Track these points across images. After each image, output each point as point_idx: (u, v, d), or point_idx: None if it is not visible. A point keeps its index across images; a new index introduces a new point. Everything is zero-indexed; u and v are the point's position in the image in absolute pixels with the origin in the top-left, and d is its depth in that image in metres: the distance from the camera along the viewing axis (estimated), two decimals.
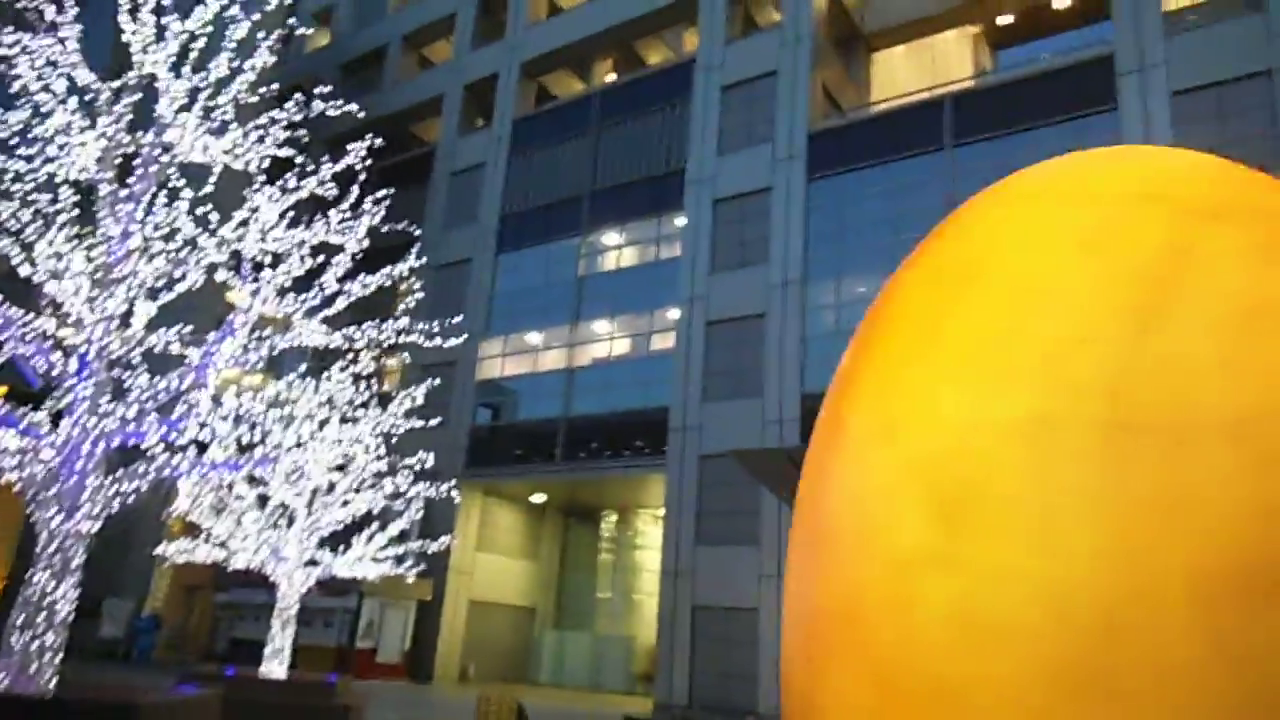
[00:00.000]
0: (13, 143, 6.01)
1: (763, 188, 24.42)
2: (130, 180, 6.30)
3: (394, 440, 14.40)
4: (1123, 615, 1.62)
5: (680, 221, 25.80)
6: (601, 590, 29.00)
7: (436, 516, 25.88)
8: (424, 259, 30.39)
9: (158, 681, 14.12)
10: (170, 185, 7.08)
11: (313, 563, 13.92)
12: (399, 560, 15.47)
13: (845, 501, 2.13)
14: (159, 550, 13.51)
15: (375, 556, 14.90)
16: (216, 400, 6.97)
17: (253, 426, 8.11)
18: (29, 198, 5.92)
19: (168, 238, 6.99)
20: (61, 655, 5.58)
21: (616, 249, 27.68)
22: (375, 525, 15.17)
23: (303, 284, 8.79)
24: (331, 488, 14.00)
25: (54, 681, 5.41)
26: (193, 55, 7.51)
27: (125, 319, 6.23)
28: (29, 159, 5.98)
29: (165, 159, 6.69)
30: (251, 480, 12.88)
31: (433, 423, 15.54)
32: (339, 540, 14.84)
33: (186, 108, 7.11)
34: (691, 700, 20.40)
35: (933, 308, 2.26)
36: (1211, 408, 1.71)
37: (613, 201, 27.76)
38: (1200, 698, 1.54)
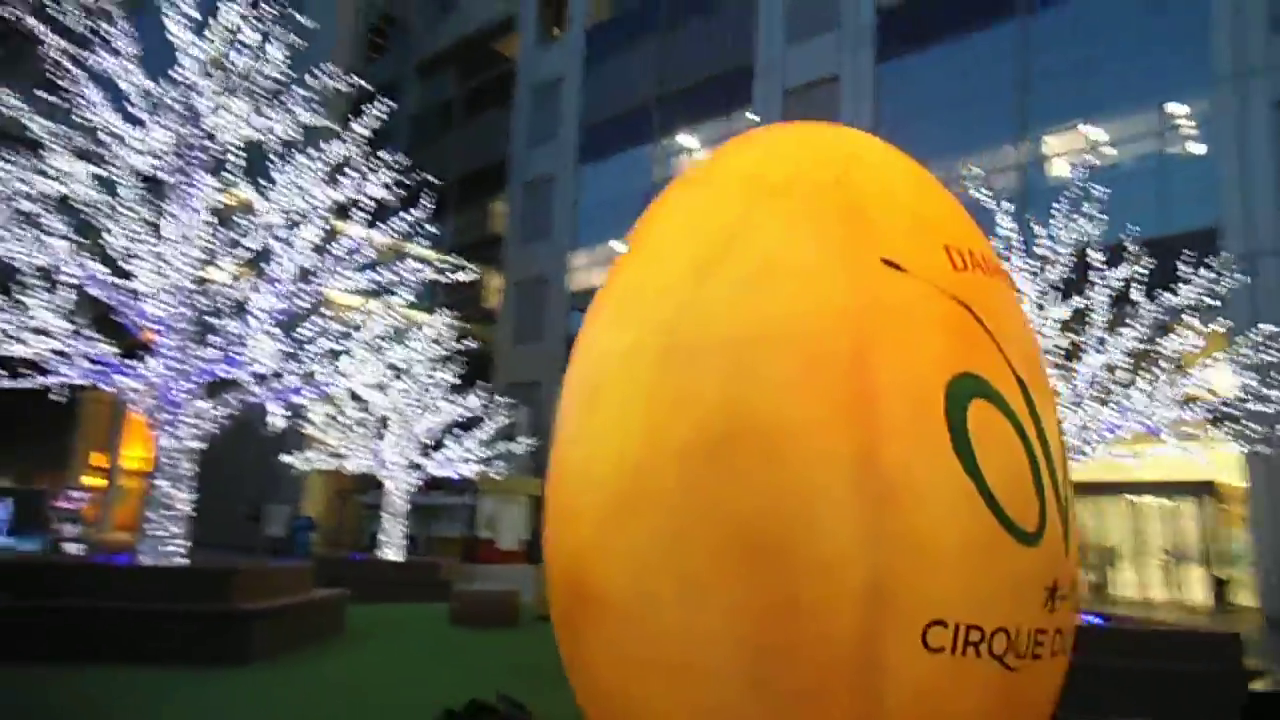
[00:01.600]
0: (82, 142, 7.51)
1: (831, 75, 24.27)
2: (186, 165, 7.77)
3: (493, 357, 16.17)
4: (646, 465, 2.77)
5: (750, 117, 25.98)
6: None
7: (546, 424, 28.03)
8: (513, 178, 31.87)
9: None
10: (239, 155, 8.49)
11: (415, 466, 16.03)
12: (487, 462, 17.39)
13: (565, 394, 3.28)
14: (290, 460, 15.90)
15: (466, 458, 16.84)
16: (289, 333, 8.57)
17: (336, 355, 9.81)
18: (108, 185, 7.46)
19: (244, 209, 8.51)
20: (184, 538, 7.49)
21: (688, 152, 28.18)
22: (468, 432, 17.12)
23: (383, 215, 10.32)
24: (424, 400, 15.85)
25: (178, 558, 7.33)
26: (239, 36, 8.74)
27: (202, 281, 7.86)
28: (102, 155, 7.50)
29: (213, 145, 8.14)
30: (354, 398, 14.89)
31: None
32: (438, 446, 16.91)
33: (233, 91, 8.45)
34: None
35: (613, 270, 3.38)
36: (713, 336, 2.79)
37: (683, 104, 28.11)
38: (680, 515, 2.67)
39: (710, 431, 2.67)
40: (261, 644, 6.31)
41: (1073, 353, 9.03)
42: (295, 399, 8.71)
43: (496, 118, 35.24)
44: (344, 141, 9.29)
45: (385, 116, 10.07)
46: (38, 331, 7.00)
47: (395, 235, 11.01)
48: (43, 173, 7.22)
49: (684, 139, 28.44)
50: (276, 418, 8.68)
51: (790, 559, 2.52)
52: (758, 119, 25.42)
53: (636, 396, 2.86)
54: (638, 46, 30.18)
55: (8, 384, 7.06)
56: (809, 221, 2.91)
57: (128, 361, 7.33)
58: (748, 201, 3.04)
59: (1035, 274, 9.15)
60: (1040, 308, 9.08)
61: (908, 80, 22.70)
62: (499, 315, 32.53)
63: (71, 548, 15.73)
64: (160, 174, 7.70)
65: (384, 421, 15.68)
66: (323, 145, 9.32)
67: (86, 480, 36.67)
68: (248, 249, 8.22)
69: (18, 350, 7.13)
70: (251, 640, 6.30)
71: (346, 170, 9.30)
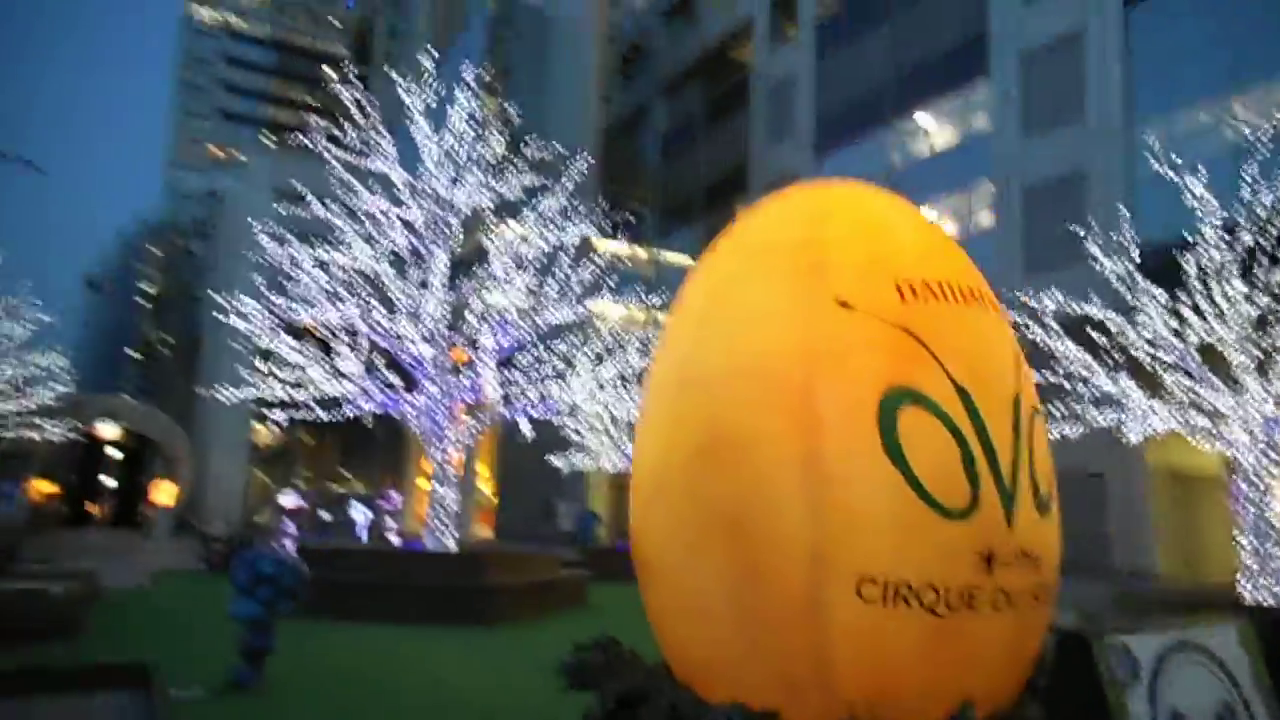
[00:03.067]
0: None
1: (1074, 31, 22.68)
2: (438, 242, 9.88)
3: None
4: (662, 466, 3.82)
5: (987, 88, 24.93)
6: None
7: None
8: (754, 180, 32.92)
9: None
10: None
11: None
12: None
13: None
14: (557, 462, 18.32)
15: None
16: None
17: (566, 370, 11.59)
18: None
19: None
20: (456, 530, 9.53)
21: (924, 133, 27.53)
22: None
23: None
24: None
25: (452, 543, 9.37)
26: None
27: (452, 325, 9.92)
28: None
29: (455, 218, 10.19)
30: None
31: None
32: None
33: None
34: None
35: (666, 328, 4.44)
36: (707, 368, 3.78)
37: (917, 83, 27.53)
38: (683, 503, 3.69)
39: (701, 442, 3.67)
40: (505, 611, 8.00)
41: None
42: (558, 412, 10.56)
43: (736, 124, 36.53)
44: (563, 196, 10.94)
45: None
46: (341, 375, 9.38)
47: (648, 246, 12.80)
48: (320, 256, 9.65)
49: (921, 118, 27.83)
50: (527, 429, 10.53)
51: (753, 535, 3.45)
52: (993, 86, 24.30)
53: (662, 414, 3.94)
54: (867, 33, 29.96)
55: (326, 417, 9.54)
56: (781, 274, 3.79)
57: (405, 394, 9.54)
58: (741, 260, 3.99)
59: None
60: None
61: (1164, 22, 20.65)
62: None
63: (393, 538, 19.25)
64: (416, 244, 9.89)
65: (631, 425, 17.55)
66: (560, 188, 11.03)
67: (420, 484, 43.22)
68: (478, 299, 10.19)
69: (331, 389, 9.57)
70: (496, 608, 8.04)
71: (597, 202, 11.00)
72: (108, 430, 30.54)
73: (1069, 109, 22.32)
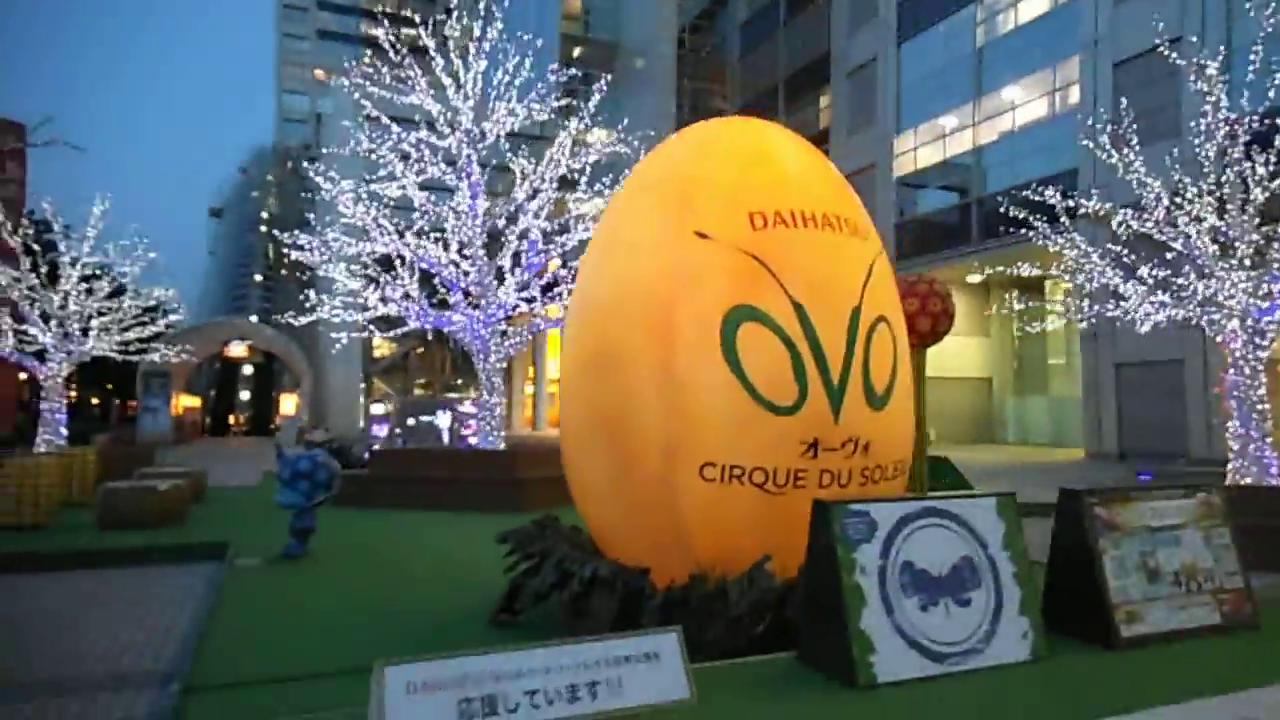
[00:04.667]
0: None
1: None
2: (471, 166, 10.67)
3: None
4: (568, 375, 4.62)
5: None
6: (1054, 356, 29.14)
7: None
8: (835, 70, 31.80)
9: None
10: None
11: None
12: None
13: None
14: None
15: None
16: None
17: None
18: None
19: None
20: (500, 431, 10.66)
21: (1010, 5, 25.98)
22: None
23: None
24: None
25: (499, 443, 10.54)
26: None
27: (491, 249, 10.79)
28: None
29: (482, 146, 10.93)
30: None
31: None
32: None
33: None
34: (1121, 449, 20.91)
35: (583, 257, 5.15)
36: (598, 293, 4.50)
37: None
38: (579, 405, 4.49)
39: (592, 354, 4.45)
40: (532, 500, 9.08)
41: None
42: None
43: (817, 10, 35.20)
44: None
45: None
46: (386, 300, 10.50)
47: None
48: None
49: None
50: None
51: (624, 430, 4.22)
52: None
53: (571, 331, 4.73)
54: None
55: (382, 336, 10.73)
56: (657, 210, 4.45)
57: (446, 313, 10.62)
58: (632, 197, 4.66)
59: None
60: None
61: None
62: None
63: (472, 440, 20.80)
64: (451, 174, 10.77)
65: None
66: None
67: (527, 389, 45.66)
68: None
69: (387, 310, 10.71)
70: (528, 497, 9.15)
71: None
72: (236, 349, 33.56)
73: None
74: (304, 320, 11.23)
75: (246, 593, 5.44)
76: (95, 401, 44.10)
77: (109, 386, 40.53)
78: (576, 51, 44.45)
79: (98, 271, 15.34)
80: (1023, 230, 15.01)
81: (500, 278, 10.68)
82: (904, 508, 3.48)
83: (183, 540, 7.61)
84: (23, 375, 22.23)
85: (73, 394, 41.02)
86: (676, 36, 41.04)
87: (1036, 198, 13.65)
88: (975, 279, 30.25)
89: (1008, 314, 31.17)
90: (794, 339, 4.08)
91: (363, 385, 41.96)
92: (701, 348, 4.07)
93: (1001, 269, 20.66)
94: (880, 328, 4.34)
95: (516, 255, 10.83)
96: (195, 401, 35.68)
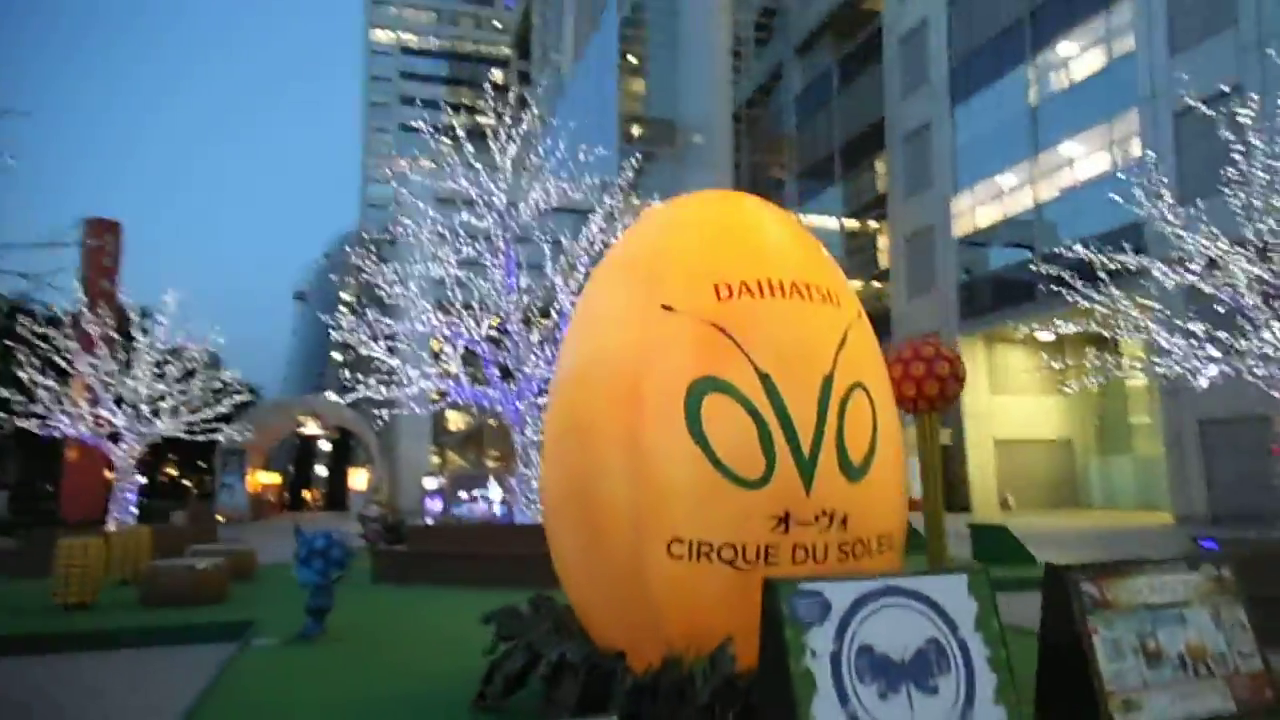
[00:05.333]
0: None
1: None
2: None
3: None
4: (550, 442, 4.58)
5: (1129, 7, 22.99)
6: (1136, 414, 27.81)
7: None
8: (890, 134, 32.08)
9: None
10: None
11: None
12: None
13: None
14: None
15: None
16: None
17: None
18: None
19: None
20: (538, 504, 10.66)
21: (1063, 64, 25.73)
22: None
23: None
24: None
25: (535, 516, 10.52)
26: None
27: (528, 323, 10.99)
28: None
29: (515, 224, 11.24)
30: None
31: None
32: None
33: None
34: (1212, 511, 19.64)
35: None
36: (572, 367, 4.50)
37: (1053, 13, 25.72)
38: (558, 472, 4.45)
39: (565, 425, 4.44)
40: None
41: None
42: None
43: (870, 79, 35.47)
44: None
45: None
46: (447, 376, 10.75)
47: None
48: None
49: (1063, 47, 25.99)
50: None
51: (593, 502, 4.16)
52: (1136, 5, 22.32)
53: (550, 402, 4.72)
54: None
55: (422, 412, 10.94)
56: (626, 284, 4.47)
57: (482, 387, 10.80)
58: (607, 273, 4.69)
59: None
60: None
61: None
62: (891, 272, 32.93)
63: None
64: (486, 255, 11.08)
65: None
66: None
67: None
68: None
69: (425, 385, 10.95)
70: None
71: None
72: (310, 426, 34.67)
73: (1221, 17, 20.26)
74: (349, 399, 11.59)
75: (246, 677, 5.48)
76: (173, 474, 45.94)
77: (199, 463, 42.24)
78: (636, 131, 45.66)
79: (168, 357, 16.18)
80: (1084, 286, 14.59)
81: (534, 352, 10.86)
82: (862, 586, 3.31)
83: (211, 619, 7.75)
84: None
85: (171, 471, 42.94)
86: (732, 112, 41.79)
87: (1092, 254, 13.35)
88: (1046, 336, 29.32)
89: (1079, 371, 30.10)
90: (760, 409, 3.99)
91: (436, 459, 42.66)
92: (666, 420, 4.01)
93: (1062, 325, 19.99)
94: (856, 395, 4.20)
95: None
96: (274, 477, 36.82)
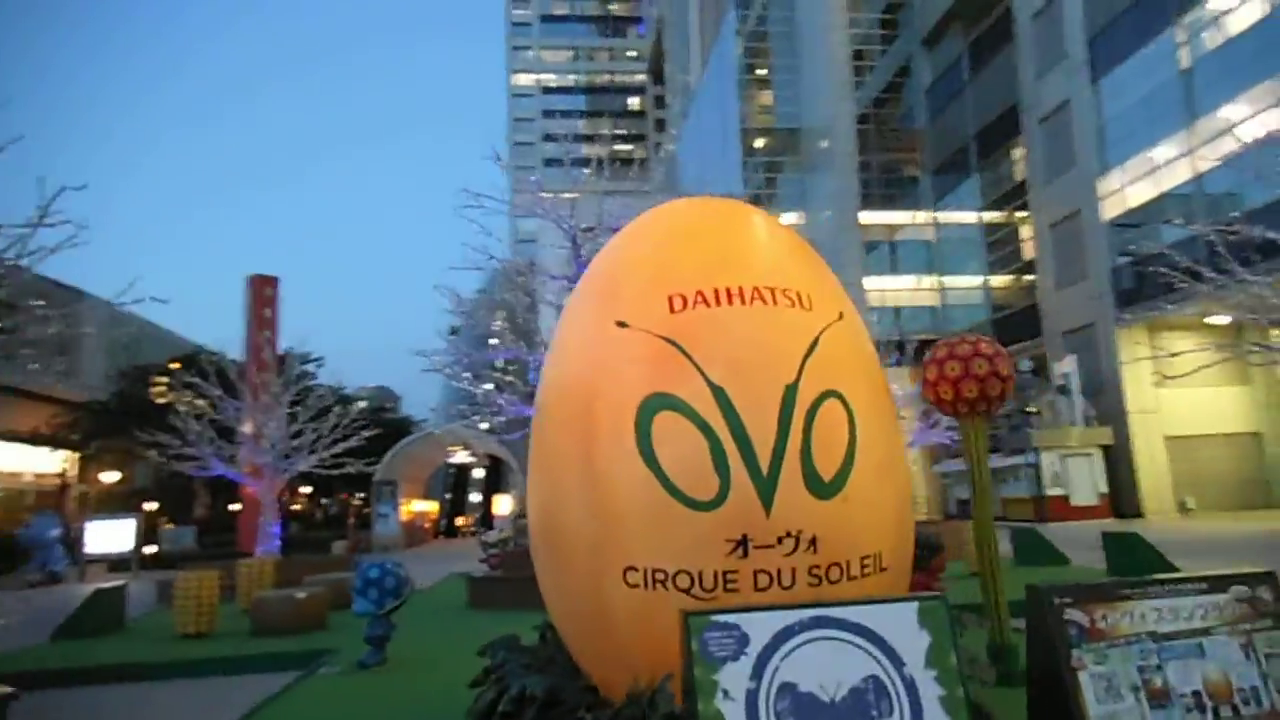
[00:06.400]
0: None
1: None
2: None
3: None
4: (529, 474, 4.50)
5: None
6: None
7: (1102, 367, 25.89)
8: (1027, 117, 30.20)
9: None
10: None
11: None
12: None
13: None
14: None
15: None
16: None
17: None
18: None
19: None
20: None
21: (1215, 20, 23.24)
22: None
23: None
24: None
25: None
26: None
27: None
28: None
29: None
30: None
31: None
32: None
33: None
34: None
35: None
36: (541, 394, 4.40)
37: None
38: (532, 507, 4.34)
39: (536, 456, 4.34)
40: None
41: None
42: None
43: (1003, 61, 33.45)
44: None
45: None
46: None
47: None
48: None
49: (1214, 1, 23.52)
50: None
51: (558, 531, 4.04)
52: None
53: (531, 436, 4.62)
54: None
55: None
56: (587, 304, 4.34)
57: None
58: (575, 297, 4.56)
59: None
60: None
61: None
62: (1036, 263, 30.71)
63: None
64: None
65: None
66: None
67: None
68: None
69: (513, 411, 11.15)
70: None
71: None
72: (460, 455, 36.24)
73: None
74: (482, 427, 12.09)
75: (285, 706, 5.68)
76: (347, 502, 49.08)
77: (362, 495, 45.14)
78: (760, 142, 45.12)
79: (313, 400, 17.39)
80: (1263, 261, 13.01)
81: None
82: (787, 618, 3.01)
83: (301, 648, 8.12)
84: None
85: (358, 503, 45.86)
86: (854, 114, 40.50)
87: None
88: (1219, 320, 26.39)
89: (1263, 357, 26.88)
90: (713, 425, 3.73)
91: None
92: (617, 442, 3.83)
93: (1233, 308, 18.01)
94: (828, 405, 3.86)
95: None
96: (428, 505, 38.67)
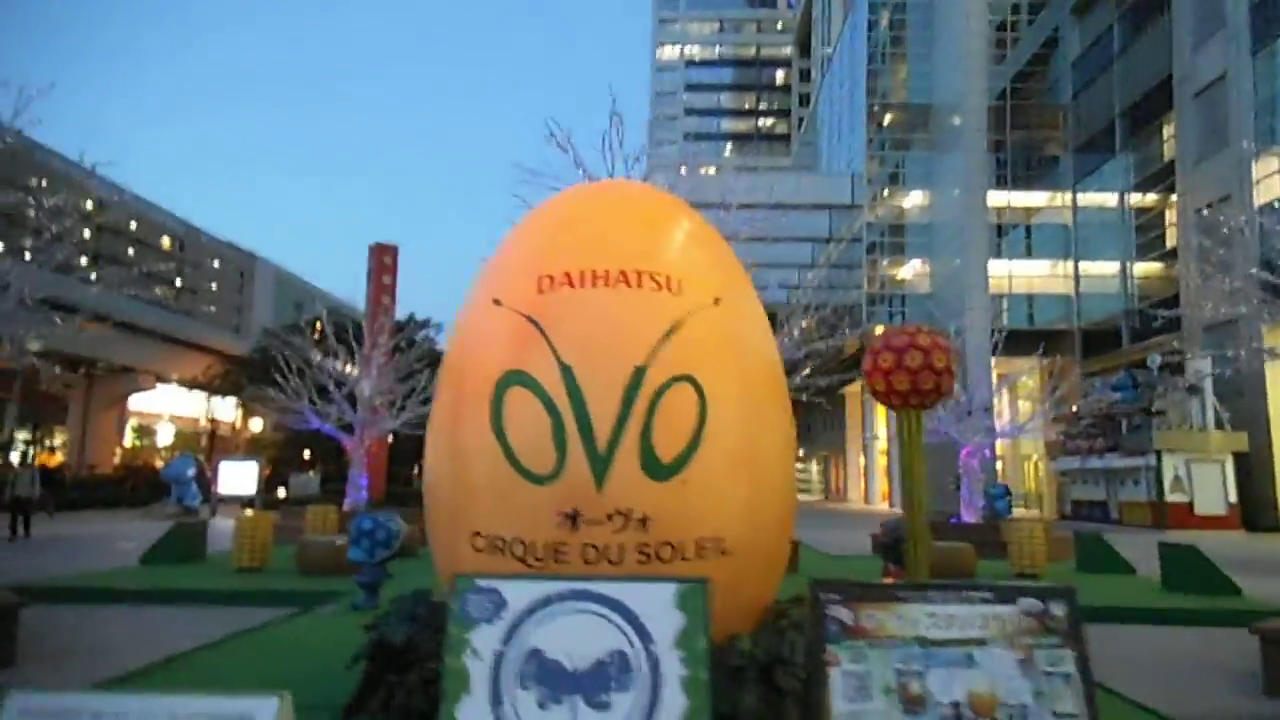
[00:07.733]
0: None
1: None
2: None
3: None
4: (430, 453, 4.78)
5: None
6: None
7: (1243, 368, 23.71)
8: (1180, 92, 27.97)
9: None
10: None
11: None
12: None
13: None
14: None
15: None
16: None
17: None
18: None
19: None
20: None
21: None
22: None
23: None
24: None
25: None
26: None
27: None
28: None
29: None
30: None
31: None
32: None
33: None
34: None
35: None
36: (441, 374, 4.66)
37: None
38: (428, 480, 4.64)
39: (429, 422, 4.59)
40: None
41: None
42: None
43: (1157, 30, 30.71)
44: None
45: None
46: None
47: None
48: None
49: None
50: None
51: (430, 493, 4.33)
52: None
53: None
54: None
55: None
56: (480, 283, 4.56)
57: None
58: (479, 278, 4.77)
59: None
60: None
61: None
62: (1180, 250, 28.21)
63: None
64: None
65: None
66: None
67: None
68: None
69: None
70: None
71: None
72: None
73: None
74: None
75: (265, 634, 6.27)
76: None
77: None
78: (889, 118, 43.42)
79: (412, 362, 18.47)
80: None
81: None
82: (548, 588, 3.14)
83: (323, 588, 8.81)
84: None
85: None
86: (989, 90, 38.17)
87: None
88: None
89: None
90: (557, 403, 3.88)
91: None
92: (475, 415, 4.04)
93: None
94: (678, 388, 3.92)
95: None
96: None
